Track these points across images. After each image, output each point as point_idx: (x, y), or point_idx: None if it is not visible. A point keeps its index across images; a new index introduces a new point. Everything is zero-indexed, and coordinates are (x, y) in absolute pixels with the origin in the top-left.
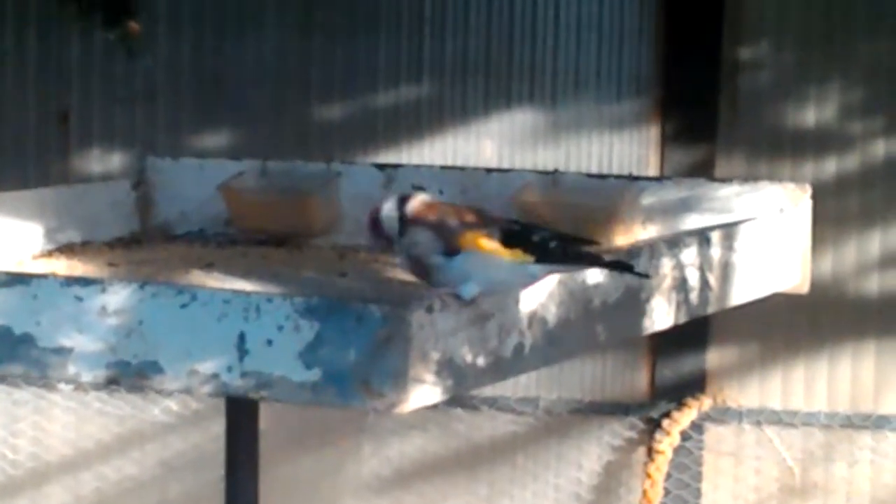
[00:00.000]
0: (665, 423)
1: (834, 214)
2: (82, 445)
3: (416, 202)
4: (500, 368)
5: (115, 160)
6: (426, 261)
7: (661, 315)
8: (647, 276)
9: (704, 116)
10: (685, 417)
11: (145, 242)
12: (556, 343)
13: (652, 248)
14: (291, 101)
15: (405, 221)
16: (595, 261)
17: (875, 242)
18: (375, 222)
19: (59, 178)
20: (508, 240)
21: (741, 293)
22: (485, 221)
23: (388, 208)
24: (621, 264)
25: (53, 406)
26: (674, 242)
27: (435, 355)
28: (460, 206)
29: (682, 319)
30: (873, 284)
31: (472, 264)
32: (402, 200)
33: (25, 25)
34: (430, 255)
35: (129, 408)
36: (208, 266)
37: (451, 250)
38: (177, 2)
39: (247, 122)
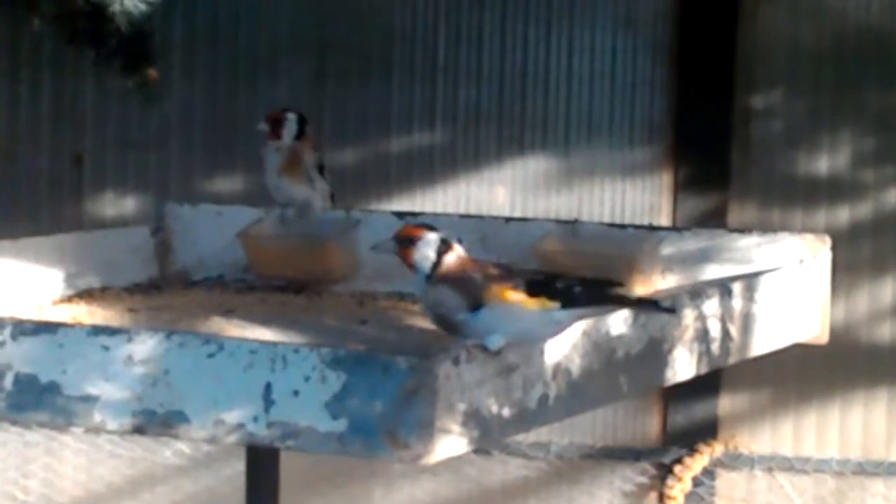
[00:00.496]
0: (677, 468)
1: (846, 262)
2: (93, 487)
3: (453, 258)
4: (525, 419)
5: (129, 204)
6: (452, 319)
7: (682, 365)
8: (672, 310)
9: (717, 164)
10: (697, 463)
11: (164, 288)
12: (579, 394)
13: (674, 299)
14: None
15: (435, 274)
16: (621, 301)
17: (888, 290)
18: (410, 246)
19: (72, 221)
20: (532, 289)
21: (761, 344)
22: (508, 274)
23: (427, 249)
24: (647, 302)
25: (65, 448)
26: (696, 293)
27: (461, 406)
28: (488, 262)
29: (704, 370)
30: (886, 332)
31: (496, 316)
32: (444, 245)
33: (40, 69)
34: (455, 314)
35: (140, 450)
36: (228, 313)
37: (476, 305)
38: (192, 50)
39: (260, 168)
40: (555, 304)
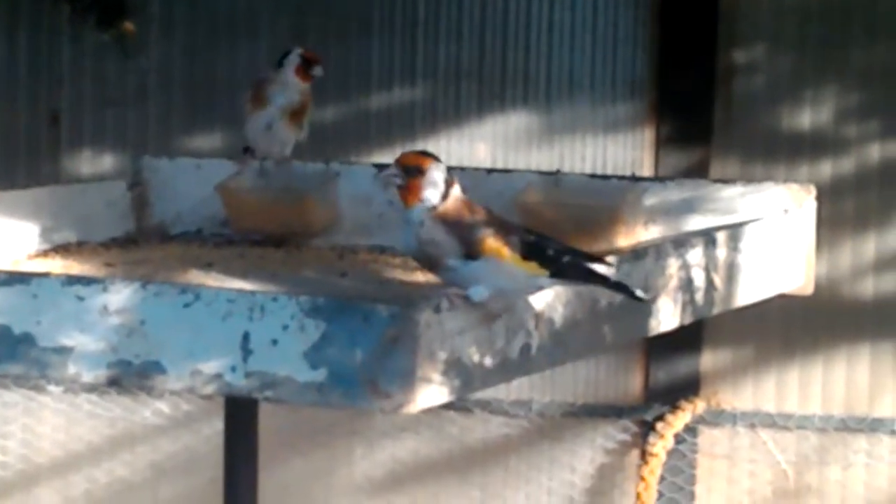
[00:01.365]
0: (659, 425)
1: (829, 218)
2: (72, 448)
3: (453, 198)
4: (508, 369)
5: (107, 162)
6: (441, 262)
7: (667, 316)
8: (643, 300)
9: (699, 120)
10: (679, 420)
11: (142, 242)
12: (562, 344)
13: (658, 249)
14: None
15: (434, 210)
16: (601, 281)
17: (870, 246)
18: (419, 176)
19: (49, 179)
20: (525, 251)
21: (746, 294)
22: (502, 228)
23: (437, 179)
24: (623, 287)
25: (43, 408)
26: (680, 243)
27: (442, 355)
28: (483, 208)
29: (688, 320)
30: (868, 288)
31: (488, 270)
32: (449, 176)
33: (16, 26)
34: (446, 258)
35: (119, 410)
36: (206, 266)
37: (471, 255)
38: (169, 4)
39: (239, 124)
40: (543, 272)
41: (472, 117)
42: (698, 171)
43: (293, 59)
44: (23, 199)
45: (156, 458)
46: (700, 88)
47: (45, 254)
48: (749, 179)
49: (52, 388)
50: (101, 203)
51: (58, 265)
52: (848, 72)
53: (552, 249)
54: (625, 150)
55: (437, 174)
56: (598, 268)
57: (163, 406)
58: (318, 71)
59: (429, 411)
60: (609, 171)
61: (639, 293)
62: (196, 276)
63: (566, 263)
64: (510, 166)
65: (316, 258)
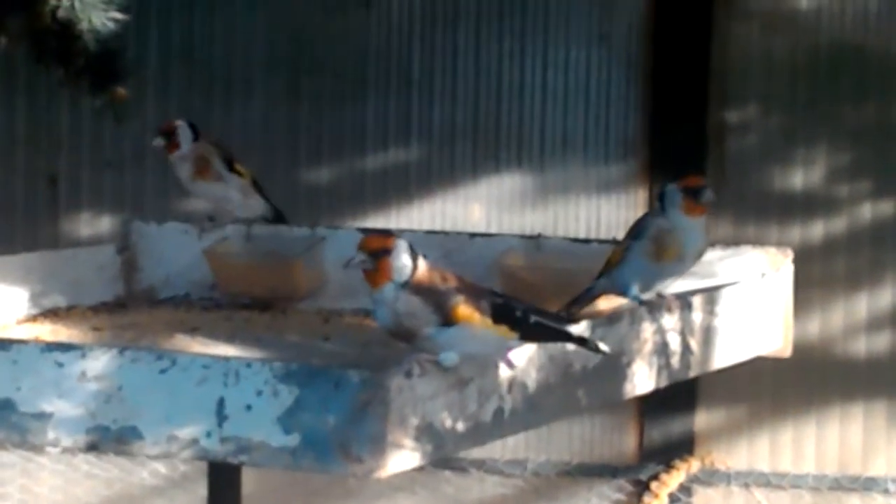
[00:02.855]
0: (654, 485)
1: (821, 277)
2: None
3: (423, 267)
4: (480, 432)
5: (105, 223)
6: (418, 330)
7: (642, 379)
8: (603, 352)
9: None
10: (674, 479)
11: (130, 306)
12: (536, 407)
13: (633, 313)
14: (279, 165)
15: (409, 283)
16: (569, 338)
17: (862, 305)
18: (385, 257)
19: (47, 241)
20: (496, 314)
21: (723, 357)
22: (473, 292)
23: (403, 258)
24: (586, 342)
25: (41, 469)
26: (655, 307)
27: (414, 420)
28: (451, 274)
29: (664, 383)
30: (861, 347)
31: (463, 336)
32: (413, 254)
33: (14, 89)
34: (423, 327)
35: (117, 470)
36: (193, 330)
37: (446, 322)
38: (166, 67)
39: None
40: (514, 335)
41: (467, 178)
42: None
43: (158, 142)
44: (13, 264)
45: None
46: (692, 148)
47: (34, 318)
48: (741, 239)
49: (49, 448)
50: (91, 267)
51: (46, 330)
52: (839, 131)
53: (520, 311)
54: (618, 210)
55: (402, 251)
56: (563, 326)
57: (159, 467)
58: (156, 141)
59: (424, 471)
60: (602, 231)
61: (601, 346)
62: (182, 340)
63: (533, 324)
64: (504, 227)
65: (301, 322)
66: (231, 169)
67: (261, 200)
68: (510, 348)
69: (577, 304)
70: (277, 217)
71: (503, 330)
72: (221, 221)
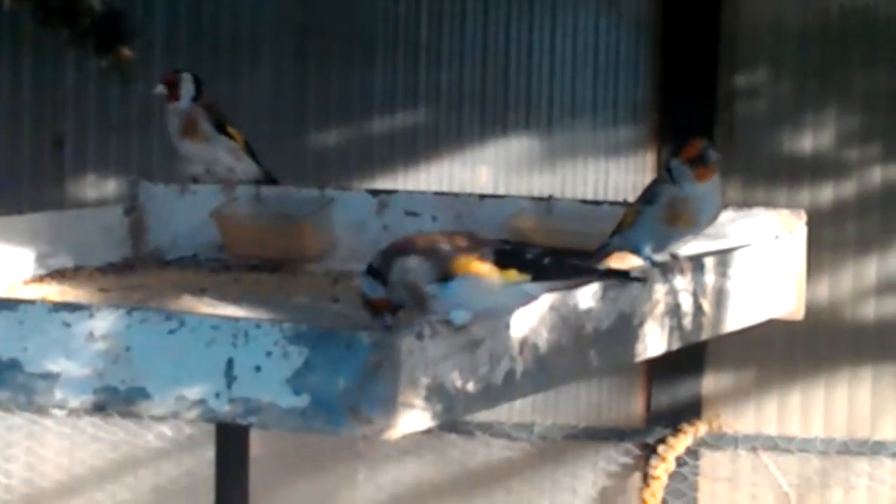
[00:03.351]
0: (661, 448)
1: (831, 241)
2: (76, 471)
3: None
4: (491, 394)
5: (111, 186)
6: (420, 289)
7: (654, 341)
8: (643, 280)
9: None
10: (681, 443)
11: (138, 268)
12: (547, 369)
13: (645, 274)
14: (287, 128)
15: (391, 256)
16: (591, 273)
17: (872, 269)
18: (365, 302)
19: (53, 204)
20: (502, 260)
21: (736, 319)
22: (476, 244)
23: (366, 283)
24: (617, 273)
25: (47, 431)
26: (668, 268)
27: (425, 381)
28: (449, 231)
29: (676, 345)
30: (870, 311)
31: (466, 289)
32: (369, 267)
33: (20, 51)
34: (424, 283)
35: (122, 433)
36: (200, 292)
37: (445, 276)
38: (173, 29)
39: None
40: (525, 277)
41: (475, 141)
42: None
43: (160, 90)
44: (20, 224)
45: (159, 481)
46: (701, 113)
47: (41, 279)
48: (751, 203)
49: (55, 411)
50: (97, 229)
51: (53, 290)
52: (849, 96)
53: (531, 254)
54: (626, 174)
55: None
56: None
57: (165, 429)
58: (158, 89)
59: (431, 434)
60: (611, 195)
61: (634, 274)
62: (190, 302)
63: (548, 264)
64: (512, 190)
65: (310, 284)
66: (222, 131)
67: (252, 164)
68: (529, 296)
69: (591, 260)
70: (271, 183)
71: (512, 274)
72: (205, 182)
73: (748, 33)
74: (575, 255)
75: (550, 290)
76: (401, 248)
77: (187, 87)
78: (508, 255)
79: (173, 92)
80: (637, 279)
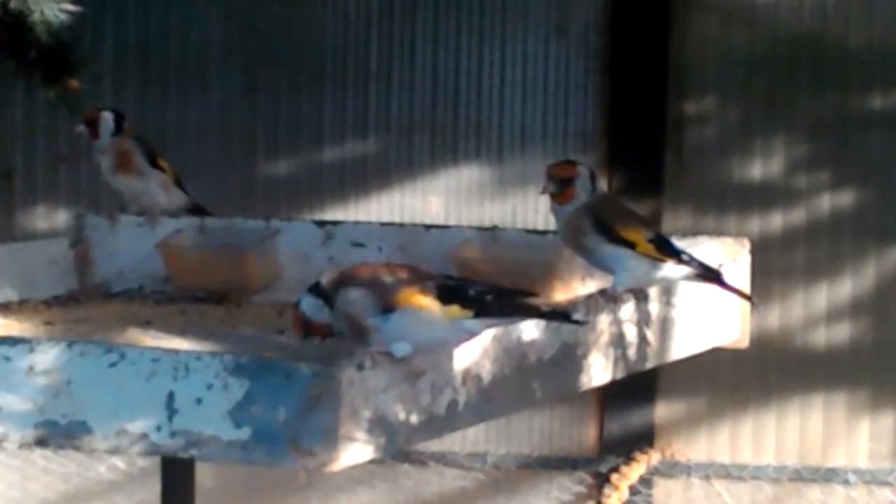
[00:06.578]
0: (614, 477)
1: (780, 268)
2: None
3: (368, 264)
4: (434, 425)
5: (61, 217)
6: (361, 321)
7: (598, 370)
8: (583, 323)
9: (650, 171)
10: (634, 472)
11: (83, 301)
12: (490, 399)
13: (588, 304)
14: (236, 157)
15: (336, 284)
16: (532, 312)
17: (822, 295)
18: (302, 322)
19: (3, 235)
20: (444, 295)
21: (680, 348)
22: (419, 277)
23: (308, 303)
24: (558, 314)
25: None
26: (611, 298)
27: (366, 413)
28: (393, 264)
29: (620, 375)
30: (820, 337)
31: (407, 322)
32: (316, 286)
33: None
34: (365, 315)
35: (74, 465)
36: (146, 324)
37: (387, 308)
38: (121, 59)
39: (191, 179)
40: (467, 313)
41: (425, 170)
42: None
43: (81, 130)
44: None
45: None
46: (651, 139)
47: None
48: (700, 230)
49: (6, 444)
50: (43, 261)
51: None
52: (796, 122)
53: (474, 290)
54: None
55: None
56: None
57: (118, 462)
58: (79, 129)
59: (383, 464)
60: None
61: (576, 316)
62: (134, 334)
63: (490, 301)
64: (463, 218)
65: (255, 315)
66: (153, 164)
67: (182, 196)
68: (470, 333)
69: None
70: (200, 213)
71: (454, 310)
72: (132, 212)
73: (696, 60)
74: (519, 292)
75: (491, 326)
76: (345, 279)
77: (107, 125)
78: (451, 290)
79: (94, 130)
80: (577, 322)
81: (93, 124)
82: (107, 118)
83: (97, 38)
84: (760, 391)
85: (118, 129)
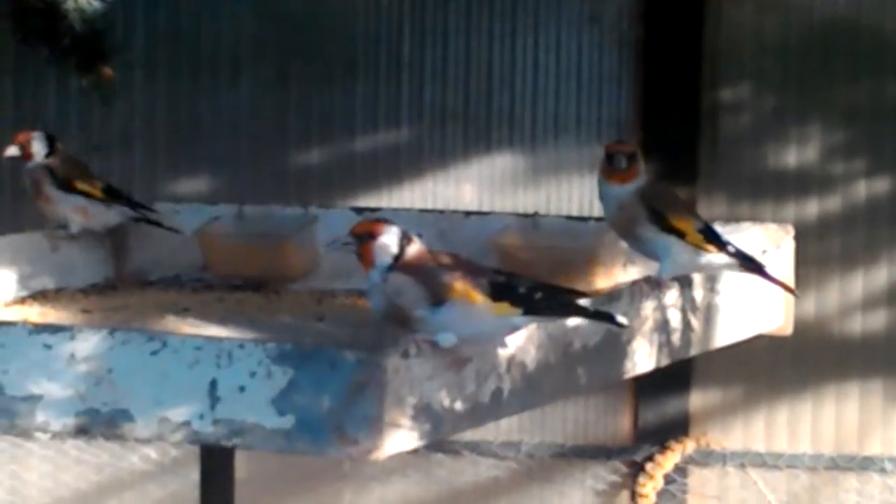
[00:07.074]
0: (648, 466)
1: (816, 255)
2: (60, 494)
3: (415, 250)
4: (478, 413)
5: None
6: (410, 312)
7: (642, 358)
8: (625, 325)
9: (685, 159)
10: (668, 461)
11: (120, 289)
12: (535, 387)
13: (633, 291)
14: (269, 147)
15: (396, 264)
16: (579, 311)
17: (857, 283)
18: (370, 241)
19: (35, 224)
20: (496, 292)
21: (724, 335)
22: (470, 271)
23: (389, 241)
24: (603, 314)
25: (30, 455)
26: (656, 285)
27: (411, 400)
28: (449, 254)
29: (665, 362)
30: (856, 325)
31: (457, 315)
32: (405, 238)
33: (2, 72)
34: (415, 307)
35: (106, 456)
36: (183, 312)
37: (437, 300)
38: (153, 49)
39: (224, 168)
40: (517, 311)
41: (458, 159)
42: None
43: (12, 152)
44: (0, 245)
45: (144, 503)
46: (685, 128)
47: (22, 301)
48: (735, 218)
49: (39, 434)
50: (80, 249)
51: (34, 312)
52: (832, 110)
53: (524, 287)
54: None
55: (387, 237)
56: (573, 300)
57: (150, 452)
58: (10, 150)
59: (417, 454)
60: (596, 212)
61: (620, 319)
62: (172, 322)
63: (539, 299)
64: (496, 207)
65: (294, 303)
66: (69, 188)
67: (115, 210)
68: (515, 327)
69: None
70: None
71: (504, 307)
72: (72, 230)
73: (731, 48)
74: (566, 291)
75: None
76: (401, 265)
77: (39, 146)
78: (502, 287)
79: (26, 151)
80: (621, 325)
81: (25, 146)
82: (38, 139)
83: (128, 29)
84: (796, 379)
85: (51, 151)
